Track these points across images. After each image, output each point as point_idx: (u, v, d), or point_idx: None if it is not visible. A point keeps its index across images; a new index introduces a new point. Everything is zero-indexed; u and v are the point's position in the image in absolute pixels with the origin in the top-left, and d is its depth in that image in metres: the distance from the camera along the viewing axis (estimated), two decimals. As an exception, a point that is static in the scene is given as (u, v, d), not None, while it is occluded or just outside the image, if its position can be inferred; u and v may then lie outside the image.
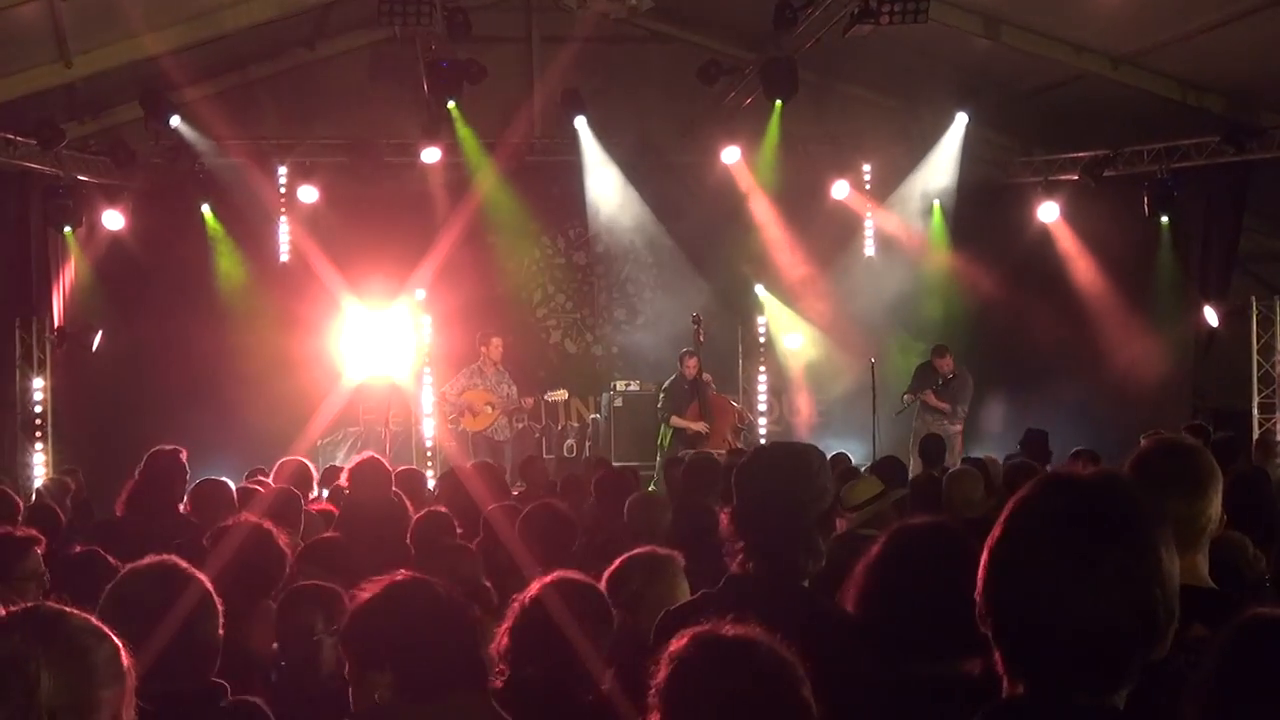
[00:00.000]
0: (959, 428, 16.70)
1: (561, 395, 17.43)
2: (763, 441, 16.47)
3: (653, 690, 2.88)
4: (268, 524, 5.80)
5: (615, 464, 15.03)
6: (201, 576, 4.01)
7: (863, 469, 11.83)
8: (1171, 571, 2.22)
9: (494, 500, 8.60)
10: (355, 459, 8.59)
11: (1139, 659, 2.19)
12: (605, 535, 7.70)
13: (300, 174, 17.95)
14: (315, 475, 11.08)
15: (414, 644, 3.73)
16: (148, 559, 4.06)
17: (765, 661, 2.81)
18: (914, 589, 3.12)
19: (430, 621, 3.80)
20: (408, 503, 8.08)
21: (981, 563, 2.27)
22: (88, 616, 2.60)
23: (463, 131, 17.83)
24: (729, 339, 18.54)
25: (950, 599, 2.30)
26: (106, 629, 2.59)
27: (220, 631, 3.97)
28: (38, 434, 16.39)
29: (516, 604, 4.42)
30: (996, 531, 2.28)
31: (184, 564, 4.05)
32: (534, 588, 4.47)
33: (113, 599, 3.89)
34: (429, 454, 17.76)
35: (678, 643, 2.88)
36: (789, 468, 3.86)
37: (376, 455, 8.49)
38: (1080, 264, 18.48)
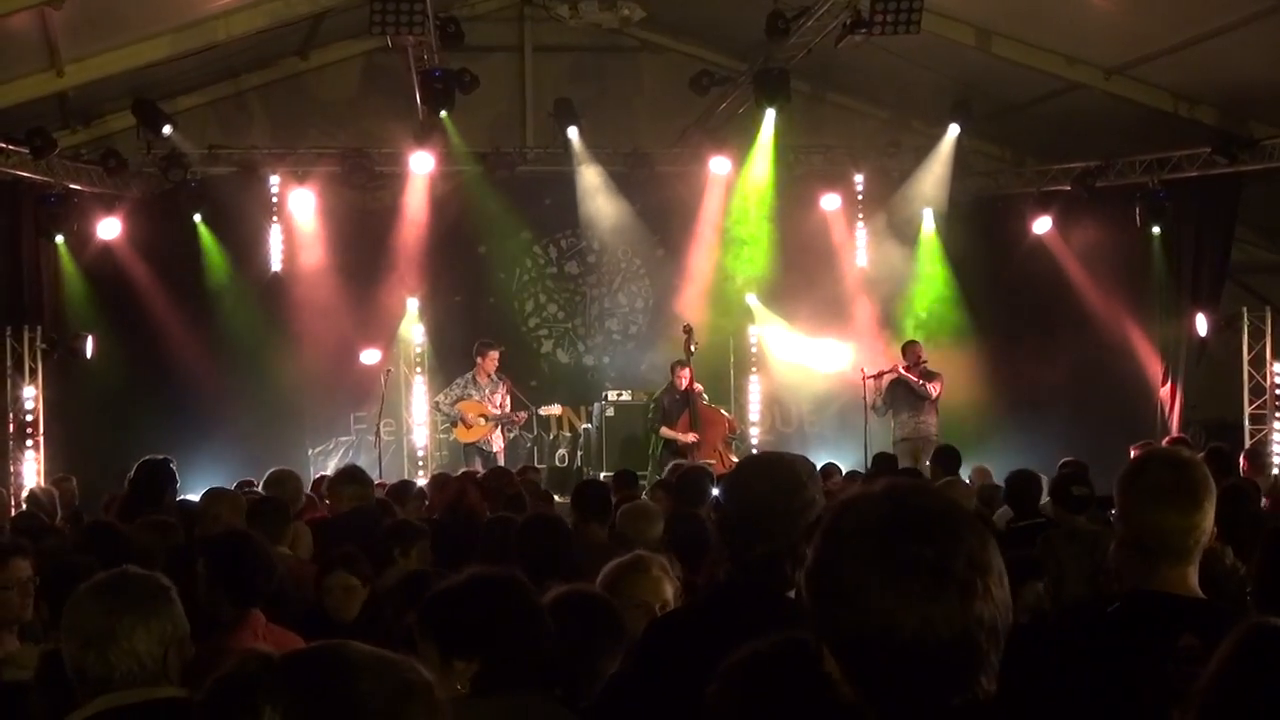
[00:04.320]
0: (933, 423, 16.56)
1: (555, 410, 17.40)
2: (753, 452, 16.45)
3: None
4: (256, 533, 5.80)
5: (604, 474, 15.02)
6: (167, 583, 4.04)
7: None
8: (1001, 572, 2.17)
9: (494, 509, 8.62)
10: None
11: (984, 664, 2.13)
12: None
13: (292, 183, 17.90)
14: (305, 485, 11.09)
15: (503, 634, 3.70)
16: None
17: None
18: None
19: (519, 612, 3.78)
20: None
21: (803, 584, 2.21)
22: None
23: (455, 141, 17.83)
24: (720, 349, 18.51)
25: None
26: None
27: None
28: (30, 442, 16.33)
29: None
30: (813, 553, 2.22)
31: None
32: (547, 599, 4.47)
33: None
34: (420, 462, 17.79)
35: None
36: (776, 478, 3.83)
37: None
38: (1072, 274, 18.49)
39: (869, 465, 13.58)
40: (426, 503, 10.92)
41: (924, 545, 2.10)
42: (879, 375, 16.72)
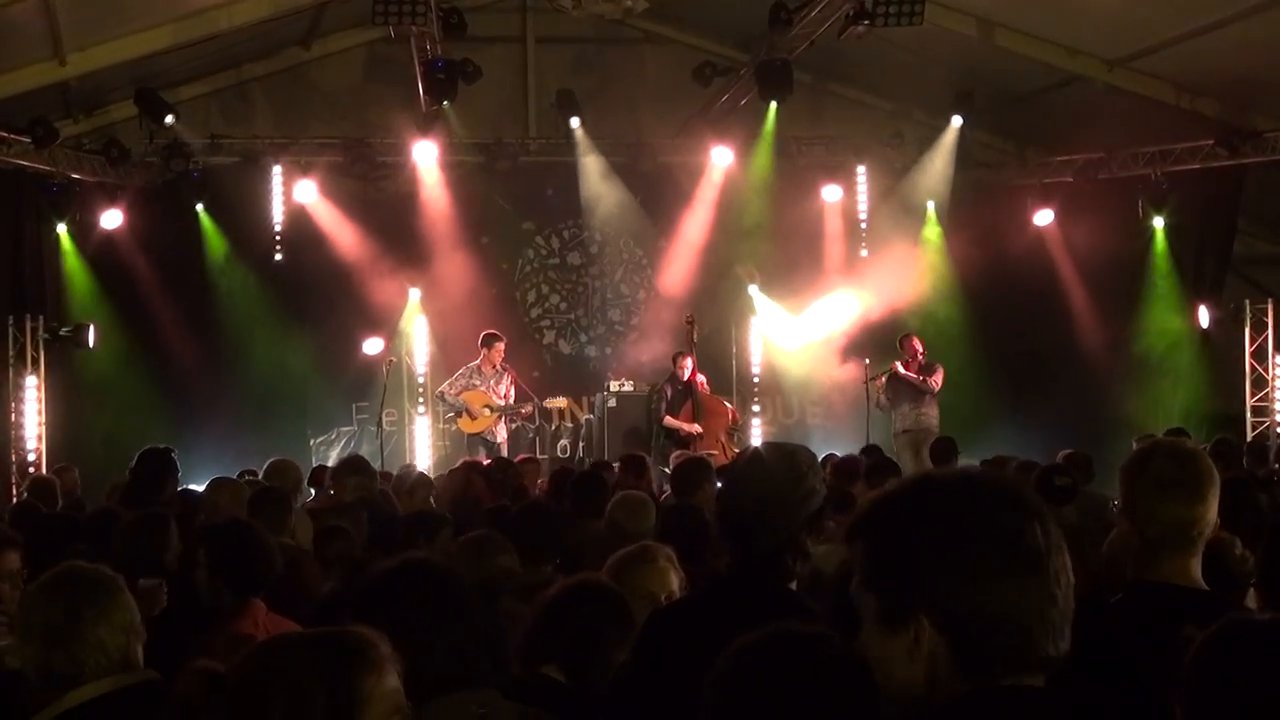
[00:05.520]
0: (934, 415, 16.54)
1: (560, 402, 17.39)
2: (755, 442, 16.43)
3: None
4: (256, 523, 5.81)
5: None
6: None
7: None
8: (1065, 556, 2.21)
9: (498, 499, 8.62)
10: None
11: (1054, 641, 2.18)
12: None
13: (295, 173, 17.89)
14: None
15: (425, 626, 3.34)
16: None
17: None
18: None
19: (448, 604, 3.46)
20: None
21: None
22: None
23: (457, 131, 17.83)
24: (723, 340, 18.52)
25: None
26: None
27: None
28: (31, 431, 16.34)
29: (538, 603, 4.40)
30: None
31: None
32: (556, 588, 4.46)
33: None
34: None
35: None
36: (778, 469, 3.83)
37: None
38: (1074, 266, 18.48)
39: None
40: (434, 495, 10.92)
41: (990, 524, 2.16)
42: (879, 378, 16.68)
